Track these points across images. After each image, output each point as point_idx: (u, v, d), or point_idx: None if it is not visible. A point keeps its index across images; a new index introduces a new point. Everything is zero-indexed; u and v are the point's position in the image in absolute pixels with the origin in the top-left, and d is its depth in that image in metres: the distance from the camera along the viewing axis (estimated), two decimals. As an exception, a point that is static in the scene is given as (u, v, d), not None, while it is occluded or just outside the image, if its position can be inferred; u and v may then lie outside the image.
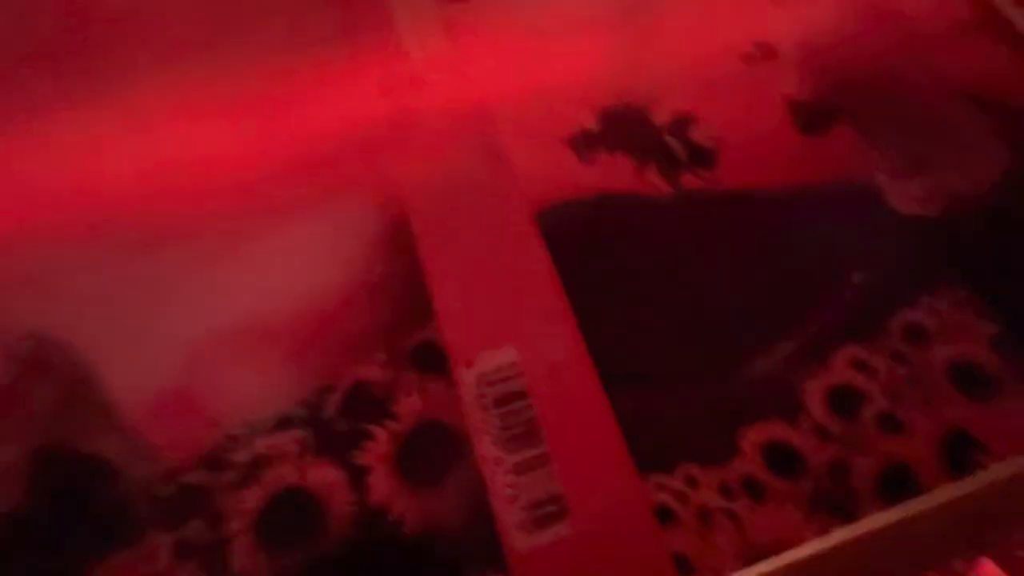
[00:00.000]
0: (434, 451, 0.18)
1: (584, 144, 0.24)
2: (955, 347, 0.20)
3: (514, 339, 0.20)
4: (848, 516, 0.17)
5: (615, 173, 0.23)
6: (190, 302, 0.20)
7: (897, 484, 0.18)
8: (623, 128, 0.24)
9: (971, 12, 0.27)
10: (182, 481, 0.18)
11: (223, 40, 0.26)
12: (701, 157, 0.23)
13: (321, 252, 0.21)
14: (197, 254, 0.21)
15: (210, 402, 0.19)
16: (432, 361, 0.20)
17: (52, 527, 0.17)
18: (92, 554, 0.17)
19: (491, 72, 0.25)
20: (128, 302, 0.20)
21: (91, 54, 0.25)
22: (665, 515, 0.17)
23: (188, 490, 0.18)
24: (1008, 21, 0.27)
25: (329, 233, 0.22)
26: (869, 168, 0.23)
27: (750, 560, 0.17)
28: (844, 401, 0.19)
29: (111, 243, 0.21)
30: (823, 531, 0.17)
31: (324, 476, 0.18)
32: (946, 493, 0.17)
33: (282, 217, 0.22)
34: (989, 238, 0.22)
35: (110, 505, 0.17)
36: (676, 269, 0.21)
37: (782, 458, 0.18)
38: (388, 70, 0.25)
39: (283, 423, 0.19)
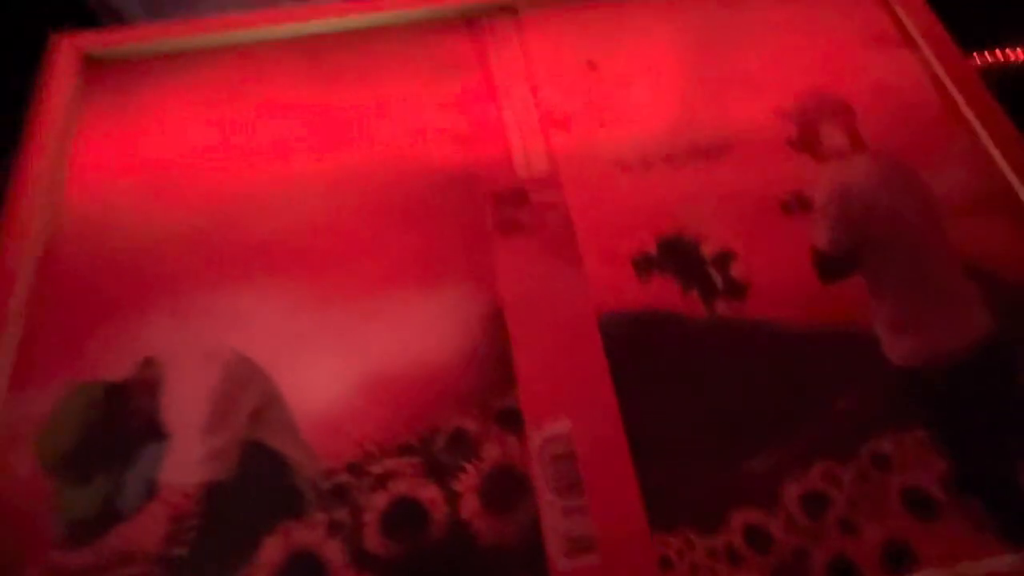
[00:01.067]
0: (507, 488, 0.26)
1: (644, 265, 0.31)
2: (910, 476, 0.25)
3: (571, 412, 0.27)
4: (800, 591, 0.24)
5: (665, 293, 0.30)
6: (350, 347, 0.29)
7: (843, 574, 0.24)
8: (676, 255, 0.31)
9: (990, 189, 0.32)
10: (335, 480, 0.26)
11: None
12: (735, 289, 0.30)
13: (442, 324, 0.29)
14: (359, 312, 0.29)
15: (356, 426, 0.27)
16: (511, 421, 0.27)
17: (249, 497, 0.26)
18: (270, 520, 0.25)
19: (580, 194, 0.33)
20: (306, 341, 0.29)
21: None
22: (665, 564, 0.24)
23: (339, 487, 0.26)
24: (1018, 199, 0.32)
25: (448, 311, 0.30)
26: (872, 319, 0.29)
27: (722, 608, 0.23)
28: (814, 503, 0.25)
29: (301, 295, 0.30)
30: (780, 597, 0.23)
31: (430, 493, 0.26)
32: (880, 586, 0.23)
33: (417, 294, 0.30)
34: (956, 392, 0.27)
35: (287, 489, 0.26)
36: (702, 376, 0.28)
37: (759, 537, 0.25)
38: (500, 185, 0.33)
39: (404, 450, 0.27)
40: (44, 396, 0.27)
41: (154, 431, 0.27)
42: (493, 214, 0.32)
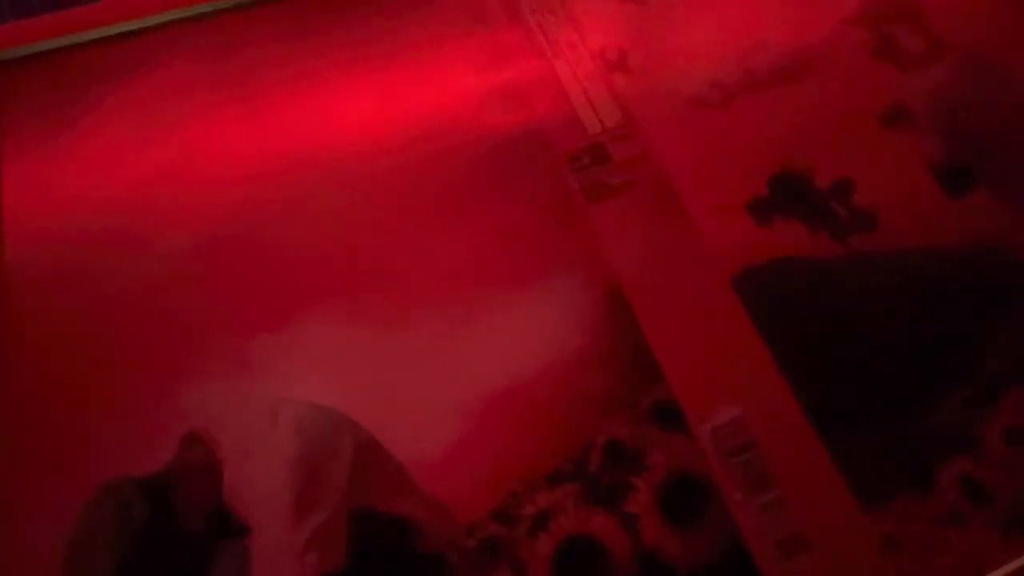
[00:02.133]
0: (689, 498, 0.21)
1: (761, 210, 0.27)
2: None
3: (736, 396, 0.23)
4: (1037, 536, 0.21)
5: (792, 237, 0.26)
6: (448, 369, 0.23)
7: (1071, 506, 0.21)
8: (792, 193, 0.27)
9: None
10: (481, 536, 0.21)
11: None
12: (864, 220, 0.27)
13: (553, 319, 0.24)
14: (447, 327, 0.24)
15: (486, 463, 0.22)
16: (670, 417, 0.23)
17: (375, 579, 0.20)
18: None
19: (664, 141, 0.28)
20: (392, 372, 0.23)
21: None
22: (891, 543, 0.21)
23: (489, 542, 0.21)
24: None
25: (556, 303, 0.24)
26: (1003, 229, 0.27)
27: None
28: (1019, 438, 0.23)
29: (367, 319, 0.24)
30: (1019, 550, 0.21)
31: (602, 523, 0.21)
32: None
33: (514, 290, 0.24)
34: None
35: (424, 560, 0.20)
36: (858, 322, 0.25)
37: (975, 488, 0.22)
38: (574, 145, 0.28)
39: (555, 479, 0.22)
40: (58, 514, 0.20)
41: (224, 528, 0.21)
42: (575, 179, 0.27)
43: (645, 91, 0.29)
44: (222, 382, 0.22)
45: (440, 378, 0.23)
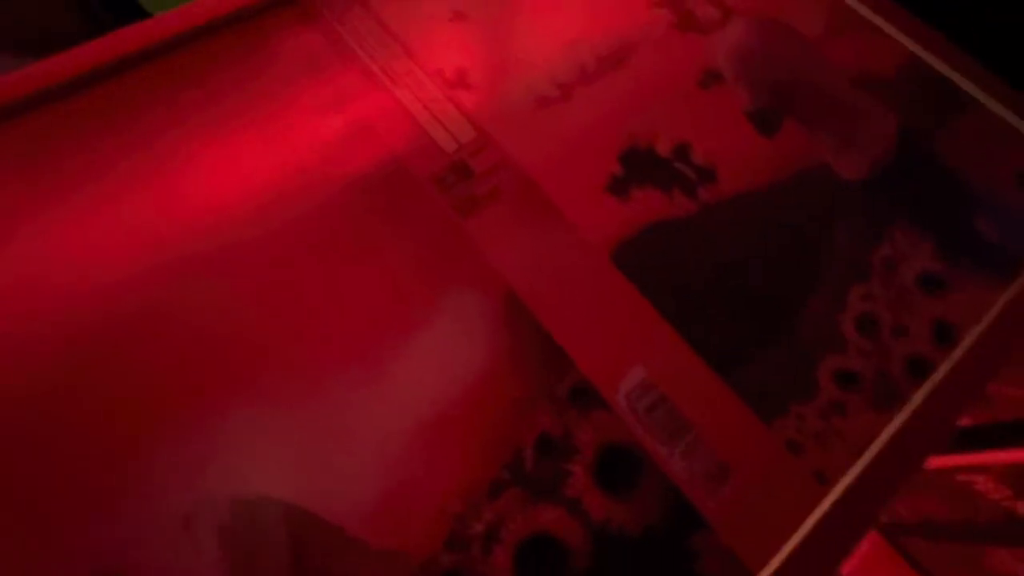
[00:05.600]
0: (621, 465, 0.23)
1: (618, 187, 0.29)
2: (915, 264, 0.28)
3: (638, 360, 0.25)
4: (901, 402, 0.25)
5: (651, 203, 0.29)
6: (364, 422, 0.23)
7: (919, 370, 0.26)
8: (642, 165, 0.30)
9: (831, 16, 0.36)
10: (439, 567, 0.21)
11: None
12: (706, 174, 0.30)
13: (458, 344, 0.25)
14: (356, 380, 0.23)
15: (426, 495, 0.22)
16: (587, 398, 0.24)
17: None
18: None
19: (519, 145, 0.30)
20: (312, 439, 0.22)
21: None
22: (794, 447, 0.24)
23: (448, 572, 0.21)
24: (860, 16, 0.36)
25: (457, 326, 0.25)
26: (817, 151, 0.31)
27: (857, 456, 0.24)
28: (867, 325, 0.26)
29: (269, 397, 0.23)
30: (890, 419, 0.24)
31: (548, 515, 0.22)
32: (948, 362, 0.26)
33: (414, 325, 0.25)
34: (907, 182, 0.30)
35: (389, 611, 0.20)
36: (726, 264, 0.28)
37: (848, 378, 0.25)
38: (436, 167, 0.28)
39: (495, 489, 0.22)
40: None
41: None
42: (446, 200, 0.28)
43: (490, 102, 0.31)
44: (128, 509, 0.21)
45: (359, 430, 0.23)
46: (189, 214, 0.26)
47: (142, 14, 0.46)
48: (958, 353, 0.26)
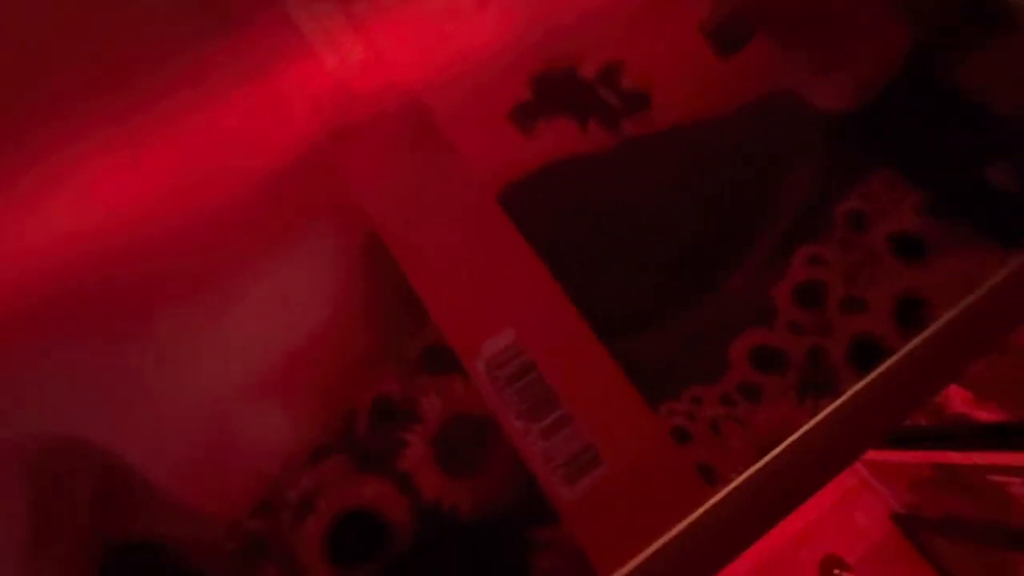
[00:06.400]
0: (467, 440, 0.20)
1: (524, 116, 0.24)
2: (891, 222, 0.22)
3: (509, 320, 0.21)
4: (833, 393, 0.20)
5: (559, 138, 0.24)
6: (192, 368, 0.21)
7: (867, 354, 0.20)
8: (557, 91, 0.25)
9: None
10: (245, 532, 0.19)
11: (128, 82, 0.25)
12: (635, 102, 0.24)
13: (305, 288, 0.22)
14: (184, 322, 0.21)
15: (243, 453, 0.20)
16: (441, 361, 0.21)
17: (134, 609, 0.18)
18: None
19: (414, 64, 0.25)
20: (130, 381, 0.20)
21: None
22: (682, 435, 0.19)
23: (252, 538, 0.19)
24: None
25: (306, 268, 0.22)
26: (787, 75, 0.25)
27: (761, 454, 0.19)
28: (809, 294, 0.21)
29: (94, 327, 0.21)
30: (814, 412, 0.20)
31: (373, 489, 0.19)
32: (905, 350, 0.20)
33: (255, 265, 0.22)
34: (903, 117, 0.24)
35: (186, 574, 0.18)
36: (638, 212, 0.23)
37: (767, 358, 0.20)
38: (314, 87, 0.25)
39: (318, 454, 0.20)
40: None
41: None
42: (318, 123, 0.24)
43: (389, 16, 0.26)
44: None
45: (181, 378, 0.21)
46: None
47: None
48: (925, 337, 0.20)
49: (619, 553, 0.18)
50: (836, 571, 0.74)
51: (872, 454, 0.77)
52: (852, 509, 0.78)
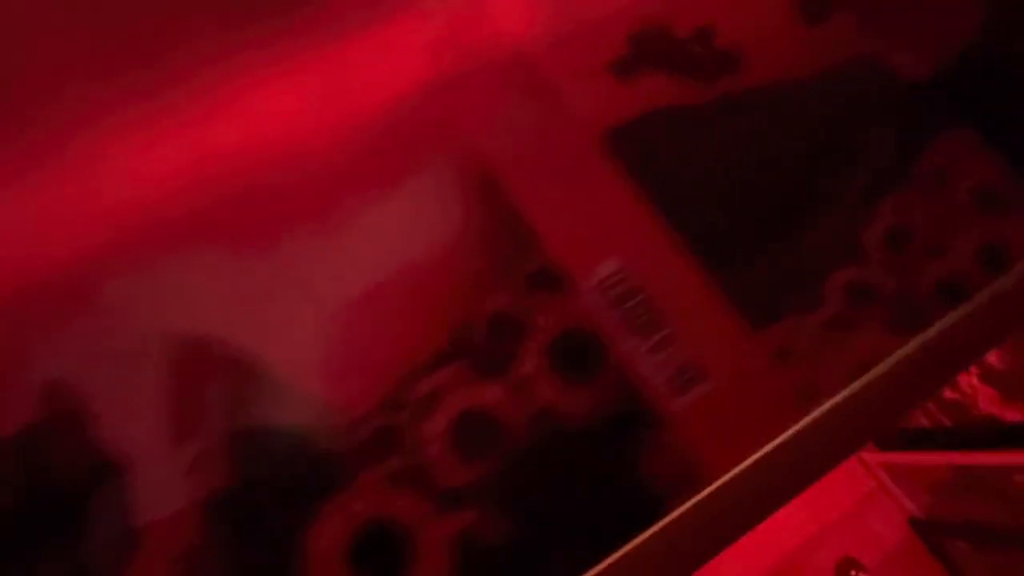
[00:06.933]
0: (578, 352, 0.21)
1: (623, 68, 0.26)
2: (974, 178, 0.24)
3: (617, 247, 0.22)
4: (921, 325, 0.21)
5: (656, 90, 0.26)
6: (323, 278, 0.22)
7: (952, 293, 0.22)
8: (653, 47, 0.26)
9: None
10: (373, 425, 0.20)
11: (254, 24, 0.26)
12: (728, 62, 0.26)
13: (428, 208, 0.23)
14: (317, 238, 0.22)
15: (373, 357, 0.21)
16: (552, 281, 0.22)
17: (269, 493, 0.19)
18: (308, 506, 0.19)
19: (514, 15, 0.27)
20: (265, 290, 0.22)
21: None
22: (783, 354, 0.21)
23: (382, 431, 0.20)
24: None
25: (430, 192, 0.23)
26: (869, 42, 0.26)
27: (854, 377, 0.21)
28: (897, 238, 0.23)
29: (226, 243, 0.22)
30: (904, 342, 0.21)
31: (494, 393, 0.20)
32: (989, 292, 0.22)
33: (383, 188, 0.23)
34: (979, 81, 0.25)
35: (316, 461, 0.20)
36: (734, 161, 0.24)
37: (860, 292, 0.22)
38: (421, 34, 0.26)
39: (441, 359, 0.21)
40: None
41: (100, 475, 0.20)
42: (429, 68, 0.26)
43: (496, -28, 0.28)
44: (79, 330, 0.21)
45: (313, 285, 0.22)
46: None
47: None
48: (1007, 282, 0.22)
49: (723, 460, 0.20)
50: (852, 573, 0.74)
51: (891, 457, 0.78)
52: (869, 513, 0.79)
